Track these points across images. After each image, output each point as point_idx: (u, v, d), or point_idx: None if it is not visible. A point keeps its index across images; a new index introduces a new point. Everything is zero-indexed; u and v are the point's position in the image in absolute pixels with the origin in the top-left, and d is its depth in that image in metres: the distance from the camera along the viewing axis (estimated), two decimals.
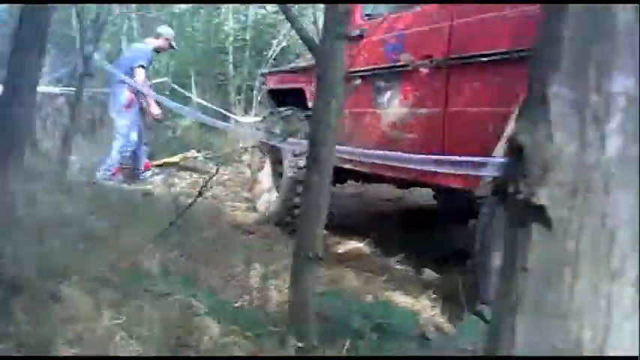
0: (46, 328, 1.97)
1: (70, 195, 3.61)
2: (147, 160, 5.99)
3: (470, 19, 2.74)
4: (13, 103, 1.93)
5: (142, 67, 5.68)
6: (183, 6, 11.15)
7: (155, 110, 5.83)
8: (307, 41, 0.93)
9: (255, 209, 4.56)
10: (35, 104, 2.09)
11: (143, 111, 5.84)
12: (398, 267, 3.23)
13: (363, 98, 3.55)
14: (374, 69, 3.43)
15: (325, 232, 3.89)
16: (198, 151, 6.86)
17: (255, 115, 8.21)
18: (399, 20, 3.32)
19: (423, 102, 3.04)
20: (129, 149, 5.62)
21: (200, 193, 2.69)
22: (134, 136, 5.65)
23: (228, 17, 10.21)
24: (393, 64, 3.27)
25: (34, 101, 2.03)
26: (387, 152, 3.09)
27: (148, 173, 5.89)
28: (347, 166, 3.71)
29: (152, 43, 5.99)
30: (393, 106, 3.28)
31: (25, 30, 1.91)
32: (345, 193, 5.40)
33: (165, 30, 6.13)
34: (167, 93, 7.38)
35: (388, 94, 3.32)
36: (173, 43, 6.16)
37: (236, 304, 2.27)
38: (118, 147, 5.52)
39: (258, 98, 9.02)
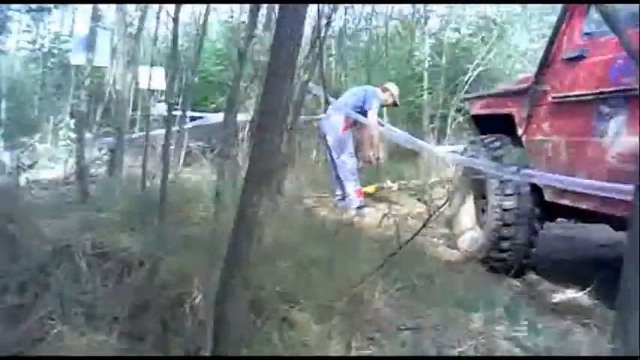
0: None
1: (284, 221, 3.81)
2: (359, 187, 6.12)
3: None
4: (269, 129, 2.07)
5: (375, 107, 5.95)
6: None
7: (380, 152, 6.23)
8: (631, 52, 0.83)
9: (456, 247, 4.42)
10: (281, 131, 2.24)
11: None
12: None
13: (582, 125, 3.27)
14: (596, 93, 3.15)
15: (535, 276, 3.74)
16: (393, 182, 6.87)
17: (449, 144, 8.09)
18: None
19: None
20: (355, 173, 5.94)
21: (424, 225, 2.68)
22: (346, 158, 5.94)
23: (424, 41, 10.22)
24: (620, 87, 2.97)
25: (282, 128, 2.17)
26: (620, 185, 2.76)
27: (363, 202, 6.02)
28: (564, 201, 3.44)
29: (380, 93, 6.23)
30: (620, 134, 2.98)
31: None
32: (551, 234, 5.05)
33: (392, 86, 6.40)
34: None
35: (614, 120, 3.03)
36: (397, 100, 6.40)
37: (460, 349, 2.20)
38: (346, 174, 5.90)
39: (452, 127, 8.88)
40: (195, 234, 3.18)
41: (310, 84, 5.48)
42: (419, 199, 6.03)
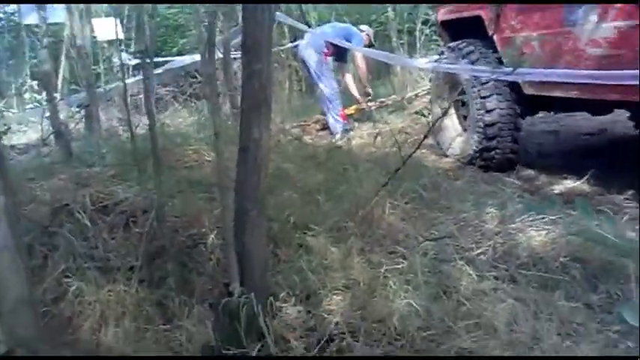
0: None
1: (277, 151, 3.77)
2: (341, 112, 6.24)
3: None
4: (257, 59, 2.01)
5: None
6: None
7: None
8: None
9: (445, 155, 4.46)
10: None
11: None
12: (630, 205, 2.96)
13: (553, 17, 3.33)
14: None
15: (532, 171, 3.81)
16: (370, 101, 6.85)
17: (421, 57, 8.01)
18: None
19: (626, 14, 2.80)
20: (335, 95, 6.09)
21: (425, 137, 2.67)
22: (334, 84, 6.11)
23: None
24: None
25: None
26: (596, 71, 2.90)
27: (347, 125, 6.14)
28: (542, 92, 3.53)
29: None
30: (589, 22, 3.04)
31: None
32: (537, 130, 5.11)
33: (366, 27, 6.63)
34: None
35: (583, 9, 3.10)
36: (373, 41, 6.58)
37: (479, 250, 2.24)
38: (325, 102, 6.06)
39: (421, 40, 8.77)
40: (194, 176, 3.13)
41: (277, 13, 5.32)
42: (416, 113, 6.01)
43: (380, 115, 6.49)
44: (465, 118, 4.30)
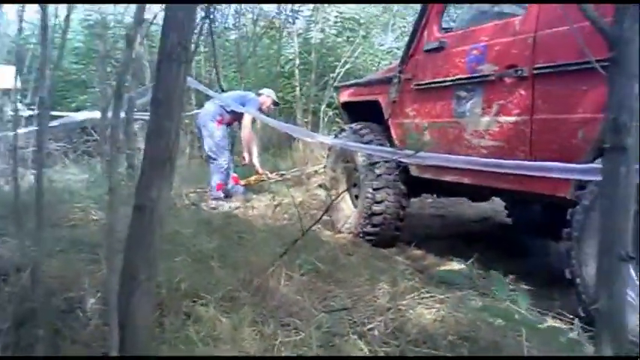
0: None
1: (171, 215, 3.66)
2: (235, 175, 6.32)
3: (553, 30, 2.83)
4: (164, 117, 1.97)
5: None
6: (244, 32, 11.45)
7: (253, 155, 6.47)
8: (602, 30, 0.90)
9: (340, 232, 4.53)
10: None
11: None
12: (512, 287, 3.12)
13: (442, 107, 3.62)
14: (454, 79, 3.49)
15: (419, 252, 3.94)
16: (272, 172, 6.91)
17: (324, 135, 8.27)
18: (481, 32, 3.41)
19: (507, 110, 3.10)
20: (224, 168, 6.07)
21: (327, 210, 2.70)
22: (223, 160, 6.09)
23: (293, 40, 10.39)
24: (475, 74, 3.33)
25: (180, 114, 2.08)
26: (480, 158, 3.15)
27: (240, 189, 6.20)
28: (427, 175, 3.78)
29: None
30: (475, 114, 3.34)
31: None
32: (426, 214, 5.35)
33: (266, 90, 6.72)
34: None
35: (470, 103, 3.39)
36: (276, 99, 6.71)
37: (371, 325, 2.24)
38: (213, 168, 6.08)
39: (325, 120, 9.10)
40: (78, 235, 2.93)
41: (189, 78, 5.31)
42: (320, 186, 6.14)
43: (278, 188, 6.53)
44: (357, 197, 4.48)
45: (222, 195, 5.98)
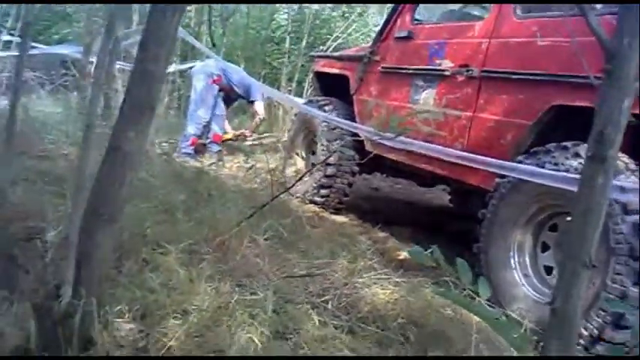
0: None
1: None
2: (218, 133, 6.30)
3: (506, 39, 3.11)
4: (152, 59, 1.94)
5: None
6: None
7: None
8: (601, 39, 0.92)
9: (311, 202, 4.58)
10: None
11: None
12: None
13: (401, 92, 3.87)
14: (416, 69, 3.76)
15: (383, 234, 4.01)
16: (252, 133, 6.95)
17: None
18: (446, 29, 3.68)
19: (454, 104, 3.38)
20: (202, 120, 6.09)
21: (300, 178, 2.72)
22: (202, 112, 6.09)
23: (288, 6, 10.27)
24: (433, 67, 3.59)
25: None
26: (429, 144, 3.36)
27: (215, 147, 6.19)
28: (377, 151, 3.85)
29: None
30: (427, 104, 3.60)
31: None
32: (395, 199, 5.42)
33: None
34: None
35: (425, 92, 3.64)
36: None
37: (325, 297, 2.28)
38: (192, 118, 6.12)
39: (309, 92, 9.04)
40: (46, 167, 2.89)
41: (180, 29, 5.24)
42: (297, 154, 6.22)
43: (253, 153, 6.52)
44: (314, 165, 4.58)
45: (191, 151, 5.95)
